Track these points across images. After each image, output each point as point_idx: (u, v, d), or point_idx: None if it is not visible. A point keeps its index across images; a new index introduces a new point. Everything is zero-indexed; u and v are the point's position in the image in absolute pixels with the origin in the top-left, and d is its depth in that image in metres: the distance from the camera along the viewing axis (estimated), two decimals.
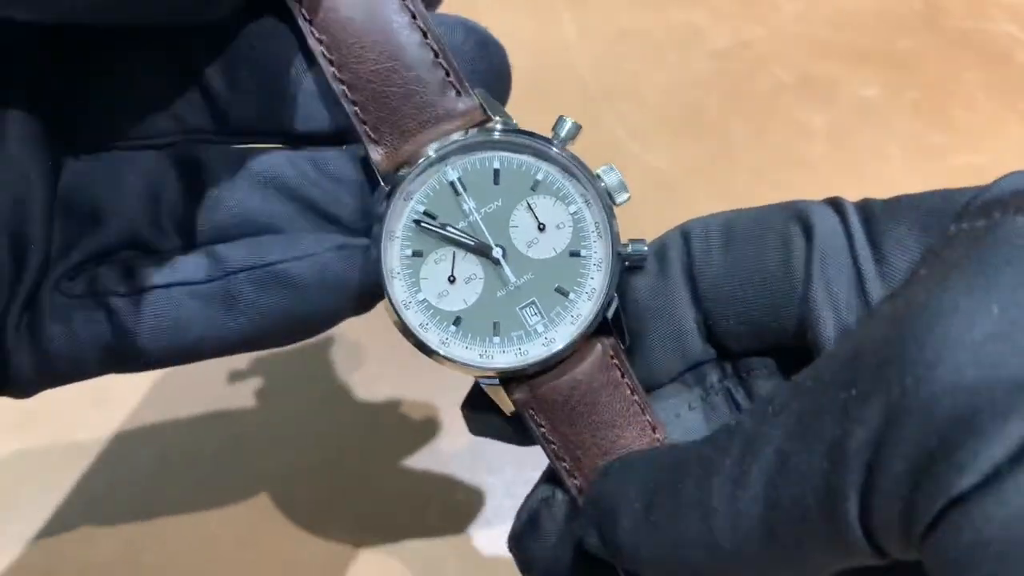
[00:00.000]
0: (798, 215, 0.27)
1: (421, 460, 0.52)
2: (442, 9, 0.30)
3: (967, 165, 0.62)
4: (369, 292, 0.29)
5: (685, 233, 0.29)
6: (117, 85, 0.28)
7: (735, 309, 0.28)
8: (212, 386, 0.54)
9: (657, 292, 0.29)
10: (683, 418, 0.30)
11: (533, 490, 0.30)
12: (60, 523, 0.50)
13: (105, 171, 0.28)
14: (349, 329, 0.54)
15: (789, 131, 0.65)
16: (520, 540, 0.29)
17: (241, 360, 0.54)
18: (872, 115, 0.65)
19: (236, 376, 0.54)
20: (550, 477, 0.29)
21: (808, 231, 0.27)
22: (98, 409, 0.53)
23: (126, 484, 0.51)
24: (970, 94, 0.66)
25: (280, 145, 0.29)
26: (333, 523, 0.50)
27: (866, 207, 0.27)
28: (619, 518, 0.24)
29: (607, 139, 0.64)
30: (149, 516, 0.51)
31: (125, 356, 0.28)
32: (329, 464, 0.52)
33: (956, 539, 0.17)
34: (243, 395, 0.54)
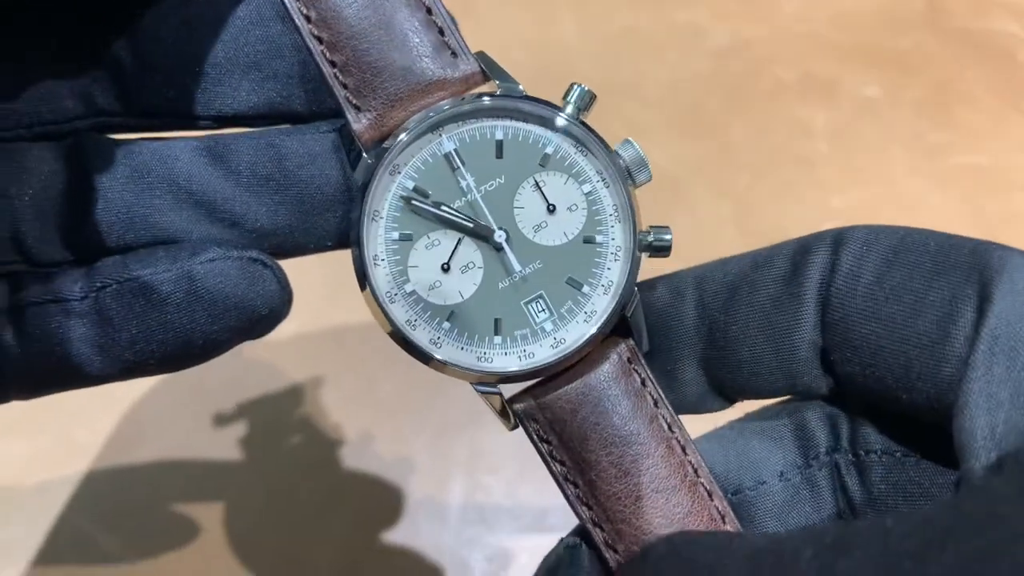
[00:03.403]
0: (982, 273, 0.21)
1: (420, 460, 0.52)
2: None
3: (969, 164, 0.62)
4: (257, 313, 0.25)
5: (839, 239, 0.23)
6: (13, 58, 0.25)
7: (863, 356, 0.22)
8: (214, 386, 0.54)
9: (778, 303, 0.24)
10: (769, 487, 0.24)
11: (563, 538, 0.26)
12: (59, 524, 0.50)
13: None
14: (351, 327, 0.54)
15: (789, 130, 0.64)
16: None
17: (243, 360, 0.54)
18: (873, 114, 0.65)
19: (240, 376, 0.54)
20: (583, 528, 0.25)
21: (985, 301, 0.20)
22: (99, 409, 0.53)
23: (126, 484, 0.51)
24: (972, 93, 0.66)
25: (194, 129, 0.26)
26: (331, 523, 0.50)
27: None
28: None
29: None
30: (147, 517, 0.51)
31: (4, 376, 0.25)
32: (329, 462, 0.52)
33: None
34: (246, 396, 0.54)
